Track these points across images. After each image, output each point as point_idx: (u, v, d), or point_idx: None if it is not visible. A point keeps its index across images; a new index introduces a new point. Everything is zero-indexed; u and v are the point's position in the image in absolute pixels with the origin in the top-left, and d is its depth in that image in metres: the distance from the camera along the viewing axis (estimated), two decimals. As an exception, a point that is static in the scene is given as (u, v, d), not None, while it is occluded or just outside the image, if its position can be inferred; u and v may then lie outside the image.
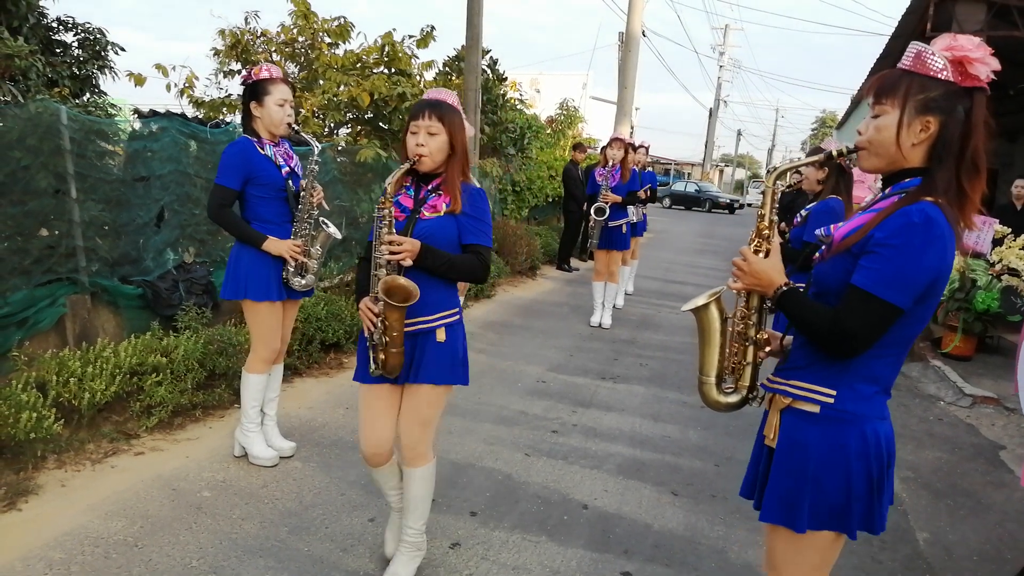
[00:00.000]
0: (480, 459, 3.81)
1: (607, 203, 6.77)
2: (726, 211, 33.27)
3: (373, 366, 2.40)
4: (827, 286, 1.66)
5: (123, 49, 7.07)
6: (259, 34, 7.36)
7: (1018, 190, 7.80)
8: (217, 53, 7.32)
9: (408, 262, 2.29)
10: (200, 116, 7.05)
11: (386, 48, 7.49)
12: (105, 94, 6.90)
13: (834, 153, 1.76)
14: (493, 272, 8.33)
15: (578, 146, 11.28)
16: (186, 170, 5.05)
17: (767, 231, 1.76)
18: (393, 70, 7.58)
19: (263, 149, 3.27)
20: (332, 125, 7.68)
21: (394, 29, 7.53)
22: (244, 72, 3.68)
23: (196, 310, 4.64)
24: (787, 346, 1.83)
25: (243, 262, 3.28)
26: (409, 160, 2.35)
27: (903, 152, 1.61)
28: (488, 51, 10.28)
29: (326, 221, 3.41)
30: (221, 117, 7.11)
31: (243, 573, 2.66)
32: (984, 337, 6.74)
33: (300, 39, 7.41)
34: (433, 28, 7.72)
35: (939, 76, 1.57)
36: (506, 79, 11.15)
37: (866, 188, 4.10)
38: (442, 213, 2.39)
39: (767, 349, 1.83)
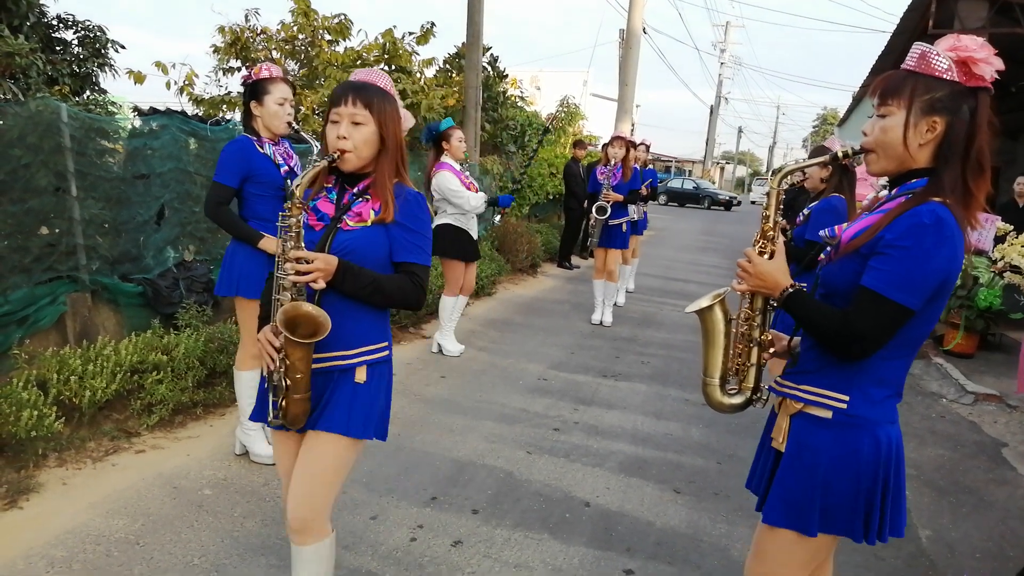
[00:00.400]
0: (482, 457, 3.81)
1: (608, 202, 6.76)
2: (722, 208, 33.24)
3: (272, 414, 1.94)
4: (835, 288, 1.65)
5: (123, 47, 7.06)
6: (259, 31, 7.36)
7: (1020, 188, 7.78)
8: (217, 50, 7.31)
9: (320, 284, 1.85)
10: (200, 114, 7.05)
11: (387, 45, 7.48)
12: (105, 92, 6.89)
13: (840, 155, 1.76)
14: (494, 270, 8.31)
15: (579, 143, 11.27)
16: (186, 168, 5.04)
17: (772, 232, 1.75)
18: (393, 67, 7.57)
19: (262, 148, 3.26)
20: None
21: (394, 26, 7.53)
22: (244, 71, 3.67)
23: (196, 308, 4.64)
24: (795, 348, 1.82)
25: (238, 259, 3.28)
26: (327, 155, 1.94)
27: (910, 152, 1.60)
28: (488, 48, 10.27)
29: None
30: (221, 115, 7.11)
31: (244, 571, 2.65)
32: (986, 334, 6.73)
33: (300, 36, 7.41)
34: (433, 25, 7.71)
35: (944, 76, 1.56)
36: (506, 76, 11.14)
37: (869, 186, 4.09)
38: (369, 223, 1.95)
39: (771, 350, 1.82)
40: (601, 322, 7.12)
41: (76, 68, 6.64)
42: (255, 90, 3.25)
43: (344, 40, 7.49)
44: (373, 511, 3.16)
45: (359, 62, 7.45)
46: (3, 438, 3.19)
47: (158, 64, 6.82)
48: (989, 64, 1.54)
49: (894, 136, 1.60)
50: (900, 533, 1.69)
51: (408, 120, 2.10)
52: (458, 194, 5.22)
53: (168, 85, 7.06)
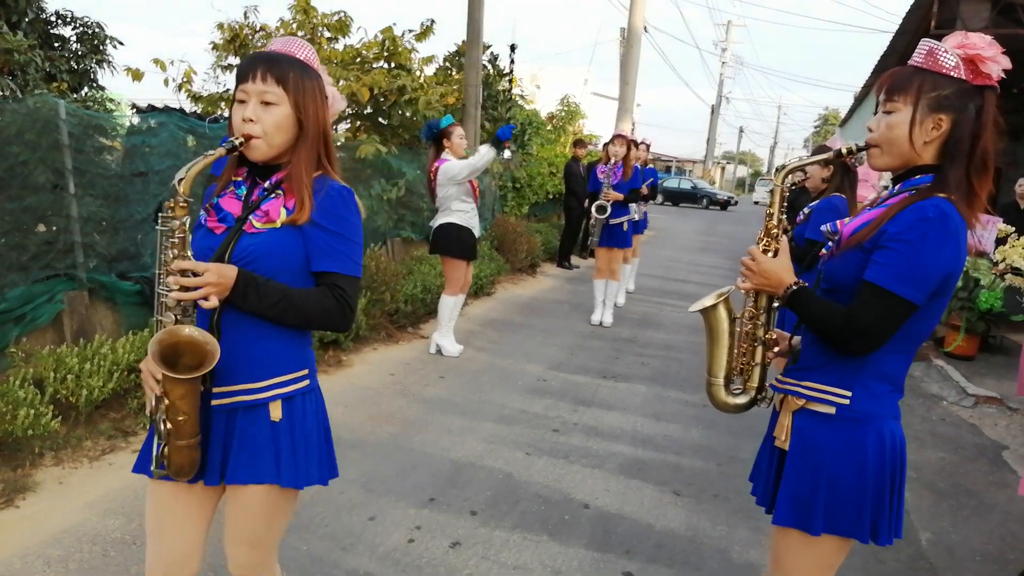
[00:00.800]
0: (480, 458, 3.79)
1: (609, 201, 6.74)
2: (718, 208, 33.27)
3: (154, 463, 1.56)
4: (838, 282, 1.64)
5: (121, 43, 7.05)
6: (258, 28, 7.33)
7: (1021, 189, 7.76)
8: (215, 47, 7.30)
9: (212, 302, 1.49)
10: (198, 111, 7.03)
11: (386, 43, 7.46)
12: (103, 89, 6.88)
13: (843, 152, 1.74)
14: (493, 269, 8.28)
15: (579, 142, 11.25)
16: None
17: (776, 230, 1.74)
18: (393, 64, 7.55)
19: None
20: (331, 120, 7.65)
21: (394, 23, 7.50)
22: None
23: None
24: (795, 346, 1.80)
25: None
26: (230, 140, 1.58)
27: (915, 149, 1.60)
28: (489, 46, 10.25)
29: None
30: (219, 112, 7.09)
31: (241, 573, 2.64)
32: (987, 337, 6.72)
33: (299, 34, 7.38)
34: (433, 22, 7.70)
35: (951, 74, 1.55)
36: (506, 75, 11.12)
37: (870, 187, 4.07)
38: (279, 224, 1.59)
39: (776, 349, 1.81)
40: (601, 322, 7.11)
41: (74, 65, 6.63)
42: None
43: (344, 37, 7.47)
44: (371, 512, 3.15)
45: (358, 59, 7.43)
46: (-1, 437, 3.17)
47: (156, 61, 6.80)
48: (997, 63, 1.53)
49: (899, 132, 1.59)
50: (899, 534, 1.68)
51: (338, 101, 1.80)
52: (463, 167, 5.14)
53: (166, 82, 7.05)
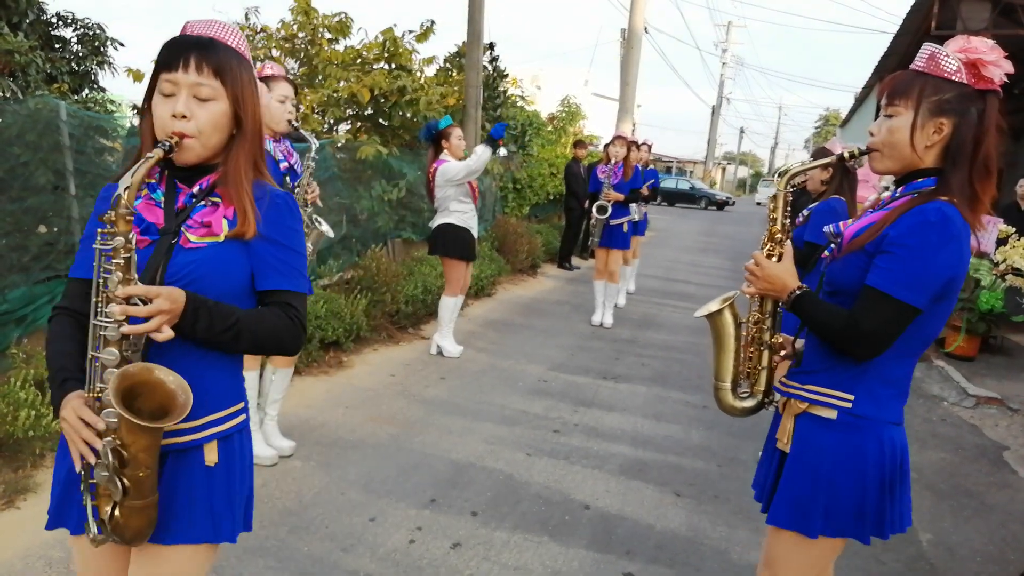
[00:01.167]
0: (481, 459, 3.79)
1: (609, 201, 6.74)
2: (715, 208, 33.36)
3: (93, 528, 1.32)
4: (840, 286, 1.65)
5: (122, 44, 7.05)
6: (259, 30, 7.34)
7: (1022, 190, 7.76)
8: (217, 49, 7.29)
9: (167, 333, 1.28)
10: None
11: (387, 44, 7.47)
12: (104, 90, 6.89)
13: (845, 156, 1.75)
14: (494, 270, 8.28)
15: (579, 143, 11.25)
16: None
17: (780, 235, 1.75)
18: (393, 65, 7.56)
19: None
20: (332, 121, 7.65)
21: (395, 24, 7.51)
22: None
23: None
24: (799, 349, 1.81)
25: None
26: (161, 144, 1.34)
27: (917, 153, 1.60)
28: (490, 46, 10.25)
29: (319, 219, 3.40)
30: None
31: (243, 572, 2.64)
32: (988, 337, 6.71)
33: (300, 35, 7.39)
34: (433, 23, 7.70)
35: (953, 78, 1.55)
36: (507, 75, 11.13)
37: (870, 188, 4.08)
38: (222, 237, 1.39)
39: (782, 353, 1.82)
40: (601, 323, 7.11)
41: (75, 66, 6.64)
42: None
43: (344, 38, 7.47)
44: (372, 513, 3.15)
45: (359, 60, 7.44)
46: (1, 438, 3.17)
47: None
48: (999, 67, 1.53)
49: (901, 137, 1.59)
50: (904, 528, 1.68)
51: (263, 94, 1.62)
52: (460, 169, 5.14)
53: (168, 83, 7.04)
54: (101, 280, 1.29)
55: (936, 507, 3.67)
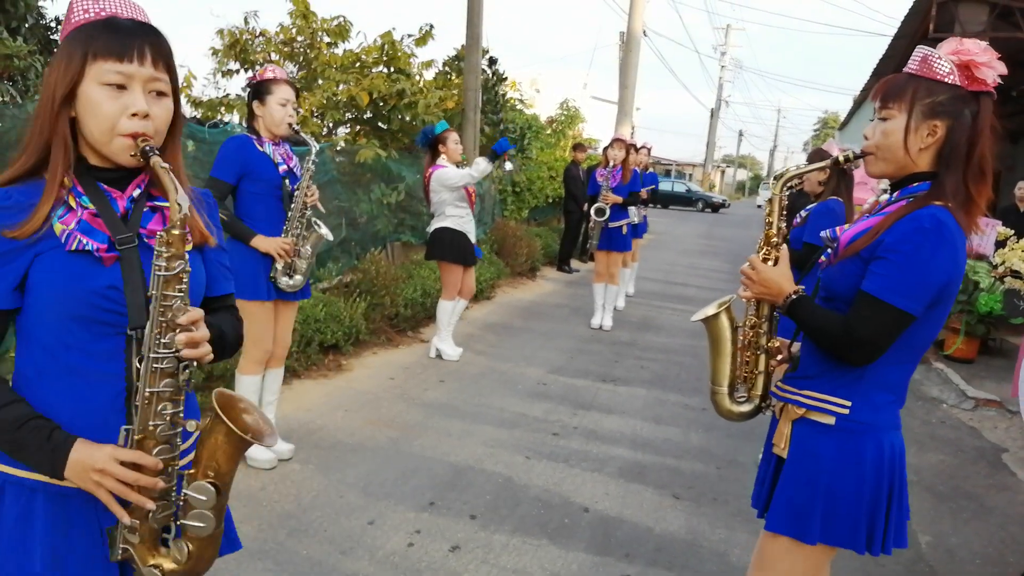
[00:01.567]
0: (480, 462, 3.79)
1: (607, 204, 6.75)
2: (710, 210, 33.46)
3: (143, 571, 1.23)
4: (836, 291, 1.65)
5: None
6: (258, 34, 7.35)
7: (1021, 192, 7.77)
8: (216, 53, 7.31)
9: (210, 356, 1.25)
10: (198, 116, 7.04)
11: (385, 47, 7.48)
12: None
13: (840, 159, 1.75)
14: (493, 273, 8.29)
15: (578, 146, 11.26)
16: (184, 170, 5.02)
17: (775, 239, 1.75)
18: (392, 69, 7.57)
19: (262, 147, 3.26)
20: (331, 125, 7.66)
21: (393, 28, 7.53)
22: (244, 74, 3.67)
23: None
24: (795, 353, 1.81)
25: (233, 261, 3.25)
26: (151, 150, 1.20)
27: (911, 156, 1.60)
28: (488, 51, 10.27)
29: (318, 222, 3.40)
30: (219, 117, 7.10)
31: (242, 575, 2.64)
32: (987, 339, 6.72)
33: (299, 39, 7.41)
34: (432, 27, 7.72)
35: (946, 80, 1.55)
36: (506, 79, 11.14)
37: (868, 190, 4.08)
38: (190, 246, 1.26)
39: (779, 357, 1.82)
40: (601, 326, 7.11)
41: (75, 70, 6.63)
42: (258, 90, 3.26)
43: (343, 42, 7.49)
44: (370, 516, 3.15)
45: (358, 64, 7.44)
46: None
47: (157, 66, 6.80)
48: (991, 68, 1.53)
49: (895, 140, 1.59)
50: (903, 544, 1.67)
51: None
52: (459, 177, 5.14)
53: (167, 87, 7.05)
54: (161, 308, 1.18)
55: (935, 509, 3.67)
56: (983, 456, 4.48)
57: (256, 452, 3.49)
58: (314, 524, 3.04)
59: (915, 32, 9.12)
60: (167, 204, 1.22)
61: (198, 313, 1.21)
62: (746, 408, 1.86)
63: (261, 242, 3.21)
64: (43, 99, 1.21)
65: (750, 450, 4.14)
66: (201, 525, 1.23)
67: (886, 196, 1.71)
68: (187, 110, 7.12)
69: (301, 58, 7.50)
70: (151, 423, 1.19)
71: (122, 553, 1.24)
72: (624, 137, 7.31)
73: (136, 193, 1.28)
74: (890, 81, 1.63)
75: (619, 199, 6.78)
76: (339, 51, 7.47)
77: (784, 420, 1.73)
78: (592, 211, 6.85)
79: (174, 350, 1.19)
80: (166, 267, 1.17)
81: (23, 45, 5.14)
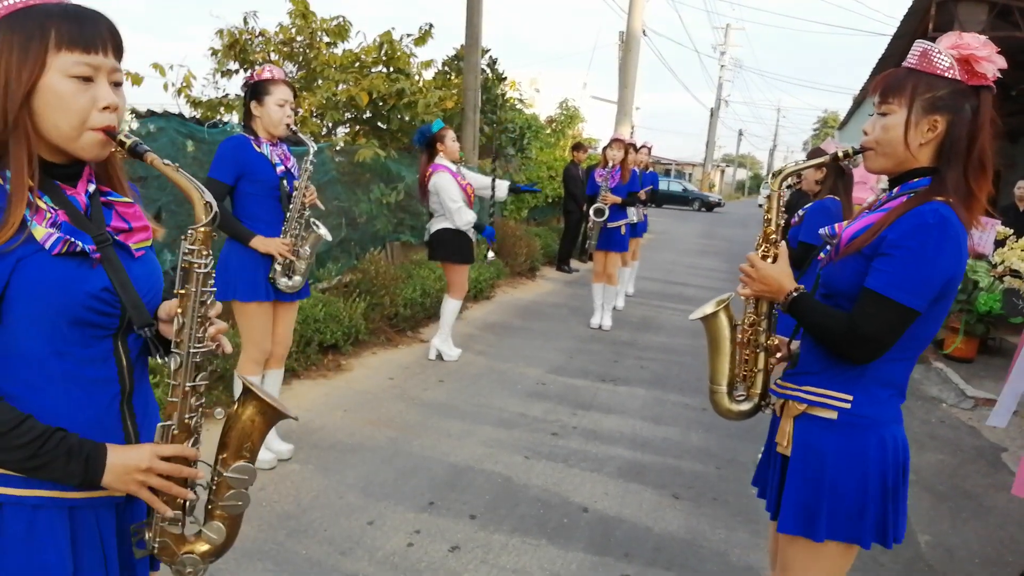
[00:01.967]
0: (479, 462, 3.79)
1: (606, 204, 6.75)
2: (706, 210, 33.52)
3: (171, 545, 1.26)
4: (837, 288, 1.64)
5: (121, 50, 7.05)
6: (257, 34, 7.34)
7: (1021, 191, 7.78)
8: (215, 53, 7.30)
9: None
10: (198, 116, 7.03)
11: (384, 47, 7.48)
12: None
13: (839, 155, 1.74)
14: (492, 273, 8.29)
15: (578, 146, 11.26)
16: (184, 170, 5.02)
17: (774, 236, 1.74)
18: (392, 69, 7.56)
19: (259, 147, 3.25)
20: (330, 125, 7.66)
21: (393, 28, 7.52)
22: (244, 73, 3.66)
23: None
24: (795, 351, 1.80)
25: (232, 262, 3.26)
26: (137, 144, 1.22)
27: (911, 151, 1.59)
28: (487, 50, 10.26)
29: (317, 222, 3.40)
30: (219, 117, 7.09)
31: (241, 575, 2.64)
32: (986, 339, 6.72)
33: (298, 39, 7.40)
34: (431, 26, 7.71)
35: (946, 75, 1.55)
36: (505, 79, 11.13)
37: (867, 189, 4.09)
38: (150, 242, 1.31)
39: (778, 355, 1.81)
40: (600, 326, 7.11)
41: (74, 70, 6.62)
42: (256, 91, 3.25)
43: (343, 42, 7.47)
44: (370, 516, 3.14)
45: (357, 64, 7.44)
46: None
47: (156, 66, 6.79)
48: (991, 62, 1.53)
49: (895, 135, 1.59)
50: (900, 538, 1.67)
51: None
52: (455, 205, 5.13)
53: (166, 87, 7.04)
54: (198, 304, 1.21)
55: (934, 509, 3.67)
56: (982, 455, 4.48)
57: (255, 452, 3.49)
58: (314, 524, 3.04)
59: (914, 31, 9.13)
60: (119, 199, 1.26)
61: (219, 306, 1.25)
62: (745, 407, 1.85)
63: (260, 243, 3.21)
64: None
65: (750, 450, 4.14)
66: (239, 504, 1.28)
67: (886, 194, 1.71)
68: (187, 110, 7.12)
69: (300, 58, 7.49)
70: (187, 416, 1.22)
71: (158, 548, 1.25)
72: (623, 137, 7.30)
73: (91, 189, 1.24)
74: (890, 76, 1.62)
75: (618, 199, 6.78)
76: (338, 51, 7.46)
77: (786, 417, 1.72)
78: (591, 211, 6.85)
79: (200, 346, 1.22)
80: (203, 264, 1.20)
81: None
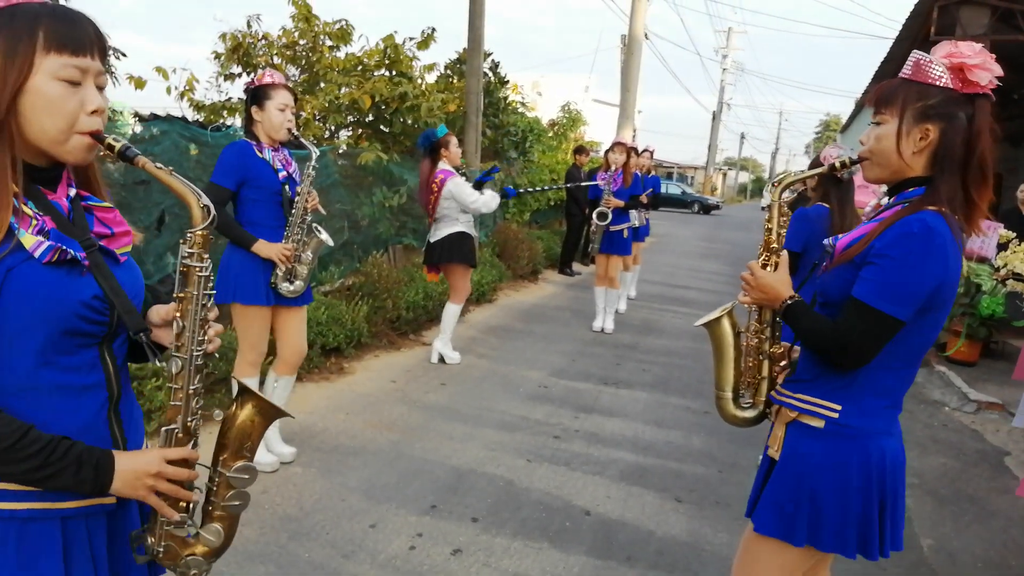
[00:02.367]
0: (481, 465, 3.79)
1: (609, 208, 6.76)
2: (703, 212, 33.58)
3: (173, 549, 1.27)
4: (831, 297, 1.65)
5: (124, 54, 7.06)
6: (260, 37, 7.36)
7: (1023, 196, 7.76)
8: (218, 56, 7.32)
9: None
10: (201, 119, 7.05)
11: (387, 50, 7.49)
12: (106, 99, 6.89)
13: (836, 165, 1.75)
14: (495, 276, 8.30)
15: (580, 149, 11.27)
16: (187, 173, 5.04)
17: (775, 244, 1.76)
18: (394, 72, 7.58)
19: (261, 152, 3.26)
20: (333, 128, 7.67)
21: (395, 31, 7.54)
22: (246, 77, 3.67)
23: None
24: (795, 358, 1.82)
25: (233, 266, 3.27)
26: (127, 149, 1.18)
27: (905, 160, 1.60)
28: (490, 54, 10.28)
29: (319, 227, 3.40)
30: (222, 120, 7.11)
31: (242, 580, 2.64)
32: (989, 342, 6.71)
33: (301, 42, 7.41)
34: (434, 30, 7.72)
35: (937, 83, 1.55)
36: (508, 82, 11.14)
37: (870, 193, 4.08)
38: (131, 246, 1.31)
39: (782, 363, 1.83)
40: (602, 329, 7.11)
41: (77, 74, 6.63)
42: (257, 95, 3.26)
43: (345, 45, 7.49)
44: (372, 519, 3.15)
45: (360, 67, 7.45)
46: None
47: (159, 69, 6.81)
48: (985, 70, 1.52)
49: (888, 144, 1.60)
50: (899, 547, 1.67)
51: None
52: (475, 201, 5.15)
53: (169, 90, 7.05)
54: (199, 307, 1.21)
55: (937, 513, 3.67)
56: (985, 459, 4.47)
57: (258, 455, 3.50)
58: (316, 527, 3.05)
59: (916, 35, 9.13)
60: (98, 203, 1.24)
61: (216, 309, 1.25)
62: (751, 414, 1.87)
63: (262, 248, 3.22)
64: None
65: (752, 454, 4.13)
66: (239, 504, 1.29)
67: (887, 200, 1.72)
68: (190, 114, 7.13)
69: (303, 61, 7.51)
70: (188, 419, 1.23)
71: (163, 552, 1.25)
72: (625, 141, 7.30)
73: (72, 193, 1.22)
74: (883, 86, 1.64)
75: (620, 203, 6.79)
76: (341, 54, 7.48)
77: (779, 423, 1.75)
78: (594, 215, 6.86)
79: (198, 349, 1.22)
80: (202, 267, 1.20)
81: None
